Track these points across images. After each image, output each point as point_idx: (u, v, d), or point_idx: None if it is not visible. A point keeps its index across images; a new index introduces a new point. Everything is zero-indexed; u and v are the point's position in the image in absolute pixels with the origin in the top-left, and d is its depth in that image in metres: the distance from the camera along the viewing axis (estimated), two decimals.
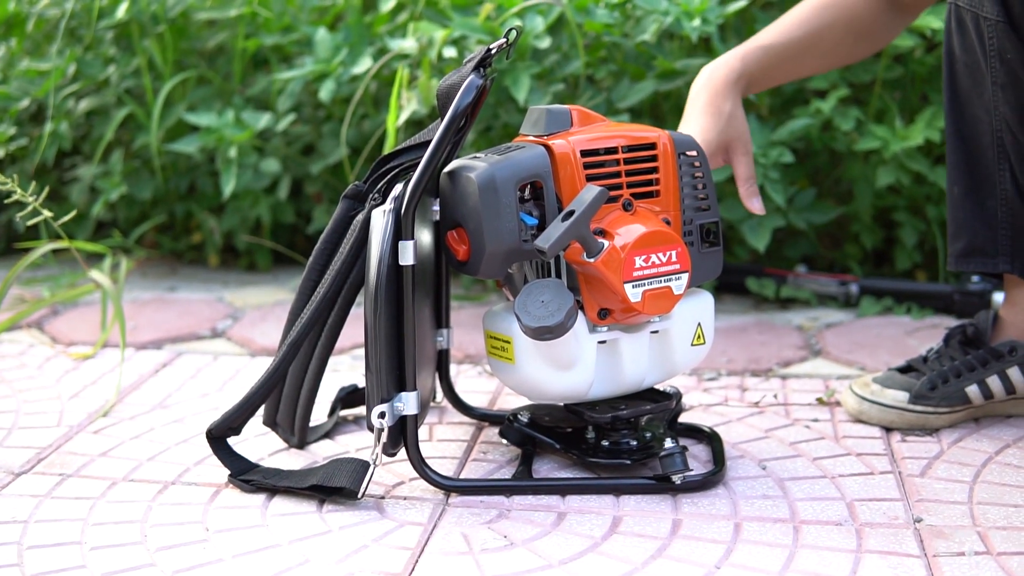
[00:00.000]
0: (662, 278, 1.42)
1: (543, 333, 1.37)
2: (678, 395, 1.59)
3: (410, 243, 1.39)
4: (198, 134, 2.24)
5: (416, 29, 2.07)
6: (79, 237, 2.50)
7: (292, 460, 1.57)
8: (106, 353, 2.01)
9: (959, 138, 1.66)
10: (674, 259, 1.43)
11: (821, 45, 1.73)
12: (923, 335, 2.04)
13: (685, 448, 1.47)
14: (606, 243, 1.40)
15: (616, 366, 1.49)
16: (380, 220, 1.40)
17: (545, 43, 2.02)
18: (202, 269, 2.53)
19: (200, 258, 2.56)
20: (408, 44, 2.07)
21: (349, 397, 1.70)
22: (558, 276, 1.47)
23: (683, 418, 1.68)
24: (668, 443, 1.46)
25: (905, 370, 1.69)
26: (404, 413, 1.42)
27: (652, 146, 1.47)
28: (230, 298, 2.31)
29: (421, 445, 1.49)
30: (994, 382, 1.63)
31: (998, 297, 2.09)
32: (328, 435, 1.64)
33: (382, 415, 1.40)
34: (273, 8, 2.39)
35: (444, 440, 1.63)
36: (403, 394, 1.42)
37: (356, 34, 2.22)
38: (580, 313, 1.44)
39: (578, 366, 1.45)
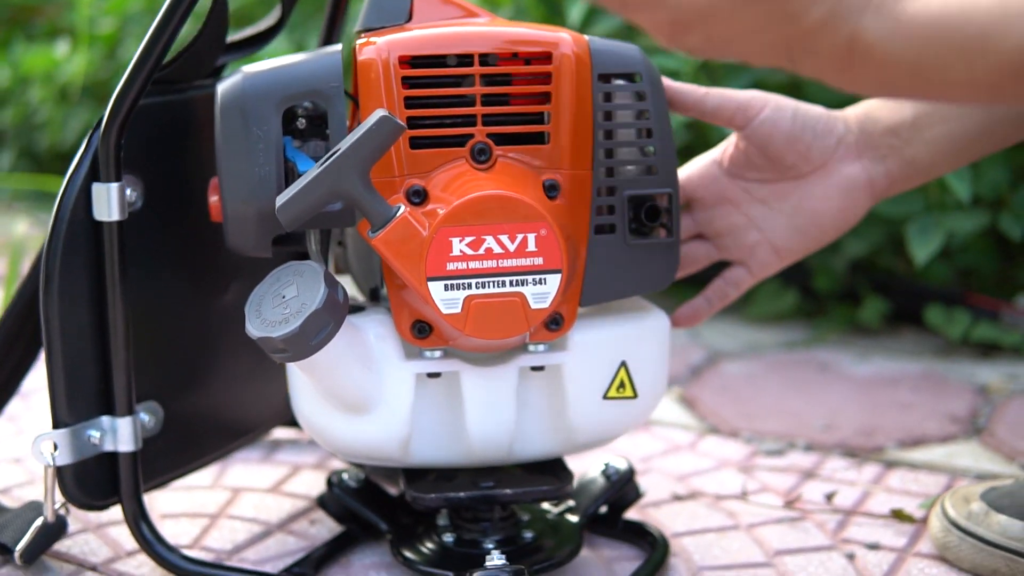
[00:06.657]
0: (506, 277, 0.83)
1: (274, 350, 0.82)
2: (621, 476, 0.99)
3: (114, 187, 0.89)
4: None
5: None
6: None
7: None
8: None
9: None
10: (531, 247, 0.83)
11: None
12: None
13: (521, 571, 0.86)
14: (399, 209, 0.83)
15: (457, 418, 0.91)
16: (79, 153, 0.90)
17: None
18: None
19: None
20: None
21: None
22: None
23: (650, 511, 1.06)
24: (494, 559, 0.87)
25: None
26: (107, 448, 0.92)
27: (545, 57, 0.87)
28: None
29: (249, 498, 0.98)
30: None
31: None
32: None
33: (56, 447, 0.90)
34: None
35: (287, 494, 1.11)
36: (104, 419, 0.92)
37: None
38: (382, 328, 0.88)
39: (378, 410, 0.89)
